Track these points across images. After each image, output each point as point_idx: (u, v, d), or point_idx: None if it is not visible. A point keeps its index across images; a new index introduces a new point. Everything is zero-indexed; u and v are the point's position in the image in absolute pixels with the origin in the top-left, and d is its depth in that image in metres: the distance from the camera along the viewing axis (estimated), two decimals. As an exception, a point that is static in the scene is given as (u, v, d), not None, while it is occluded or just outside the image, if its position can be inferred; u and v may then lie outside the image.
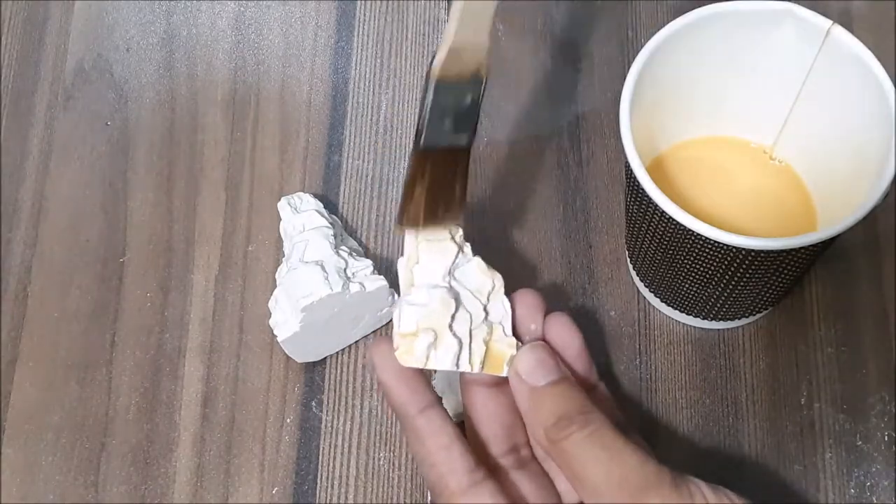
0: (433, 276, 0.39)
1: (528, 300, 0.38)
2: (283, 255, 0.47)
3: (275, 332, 0.45)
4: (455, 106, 0.36)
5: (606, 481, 0.34)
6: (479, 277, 0.39)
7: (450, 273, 0.39)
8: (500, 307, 0.39)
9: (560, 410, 0.35)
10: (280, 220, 0.48)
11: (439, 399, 0.37)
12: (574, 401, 0.36)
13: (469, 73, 0.36)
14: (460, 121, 0.36)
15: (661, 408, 0.46)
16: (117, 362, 0.48)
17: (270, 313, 0.46)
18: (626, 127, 0.40)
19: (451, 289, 0.38)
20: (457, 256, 0.39)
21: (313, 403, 0.47)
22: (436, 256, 0.39)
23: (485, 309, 0.39)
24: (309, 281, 0.45)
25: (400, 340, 0.37)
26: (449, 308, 0.38)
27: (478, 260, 0.39)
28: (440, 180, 0.37)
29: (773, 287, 0.42)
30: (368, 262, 0.47)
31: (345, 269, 0.45)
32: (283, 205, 0.48)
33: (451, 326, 0.38)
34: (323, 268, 0.45)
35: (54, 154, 0.53)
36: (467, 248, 0.39)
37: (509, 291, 0.39)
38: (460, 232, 0.39)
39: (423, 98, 0.36)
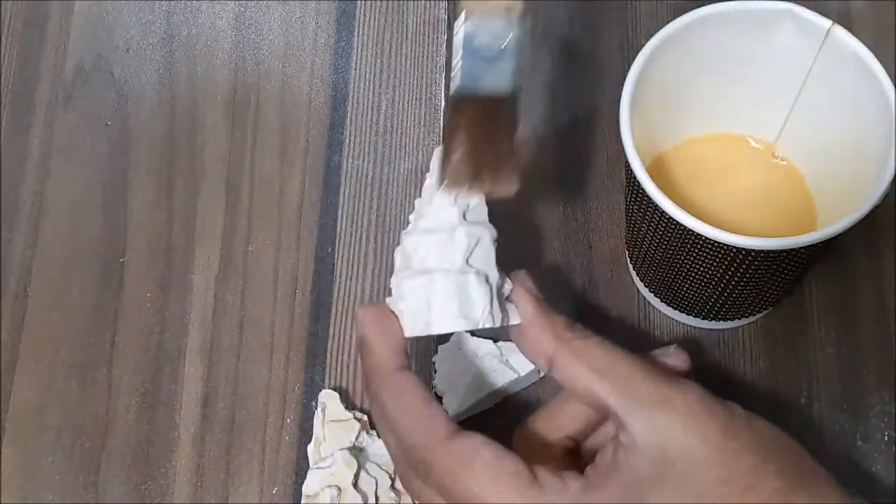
0: (339, 446, 0.44)
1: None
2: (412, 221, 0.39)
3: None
4: (489, 45, 0.32)
5: (634, 373, 0.34)
6: (386, 455, 0.42)
7: (355, 446, 0.44)
8: None
9: (567, 319, 0.36)
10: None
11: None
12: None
13: (502, 7, 0.32)
14: (498, 63, 0.32)
15: (661, 408, 0.46)
16: (117, 362, 0.48)
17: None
18: (626, 127, 0.40)
19: (354, 448, 0.44)
20: (359, 433, 0.45)
21: (313, 403, 0.47)
22: (339, 433, 0.45)
23: (392, 479, 0.44)
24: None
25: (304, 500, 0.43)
26: (351, 467, 0.43)
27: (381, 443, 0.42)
28: (481, 135, 0.33)
29: (773, 287, 0.42)
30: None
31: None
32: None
33: (355, 485, 0.43)
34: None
35: (54, 154, 0.53)
36: (374, 433, 0.45)
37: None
38: (365, 417, 0.45)
39: (448, 37, 0.32)
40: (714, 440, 0.33)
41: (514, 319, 0.37)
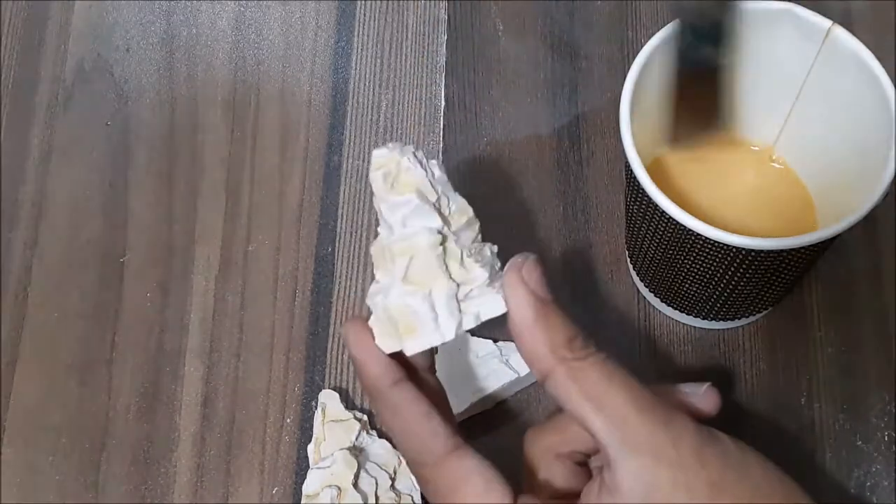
0: (338, 446, 0.44)
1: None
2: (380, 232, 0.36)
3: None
4: (700, 26, 0.40)
5: (630, 410, 0.32)
6: (385, 455, 0.44)
7: (355, 446, 0.44)
8: (409, 482, 0.44)
9: (570, 331, 0.34)
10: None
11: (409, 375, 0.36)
12: (574, 327, 0.35)
13: None
14: (712, 41, 0.40)
15: (661, 408, 0.46)
16: (117, 362, 0.48)
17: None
18: (626, 127, 0.40)
19: (354, 448, 0.44)
20: (359, 433, 0.45)
21: (313, 403, 0.47)
22: (339, 433, 0.45)
23: (392, 479, 0.44)
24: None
25: (304, 500, 0.44)
26: (351, 467, 0.43)
27: (382, 441, 0.45)
28: (698, 98, 0.42)
29: (773, 287, 0.42)
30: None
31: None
32: (375, 176, 0.34)
33: (355, 485, 0.43)
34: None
35: (54, 154, 0.53)
36: (374, 433, 0.45)
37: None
38: (365, 417, 0.46)
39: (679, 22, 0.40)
40: (702, 496, 0.32)
41: (492, 312, 0.34)
